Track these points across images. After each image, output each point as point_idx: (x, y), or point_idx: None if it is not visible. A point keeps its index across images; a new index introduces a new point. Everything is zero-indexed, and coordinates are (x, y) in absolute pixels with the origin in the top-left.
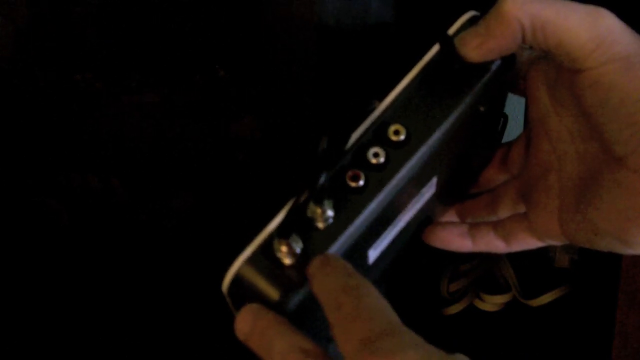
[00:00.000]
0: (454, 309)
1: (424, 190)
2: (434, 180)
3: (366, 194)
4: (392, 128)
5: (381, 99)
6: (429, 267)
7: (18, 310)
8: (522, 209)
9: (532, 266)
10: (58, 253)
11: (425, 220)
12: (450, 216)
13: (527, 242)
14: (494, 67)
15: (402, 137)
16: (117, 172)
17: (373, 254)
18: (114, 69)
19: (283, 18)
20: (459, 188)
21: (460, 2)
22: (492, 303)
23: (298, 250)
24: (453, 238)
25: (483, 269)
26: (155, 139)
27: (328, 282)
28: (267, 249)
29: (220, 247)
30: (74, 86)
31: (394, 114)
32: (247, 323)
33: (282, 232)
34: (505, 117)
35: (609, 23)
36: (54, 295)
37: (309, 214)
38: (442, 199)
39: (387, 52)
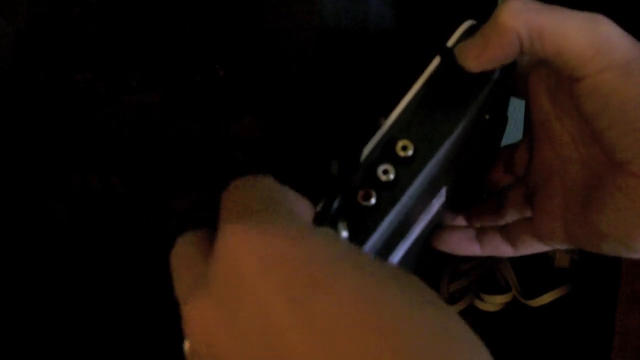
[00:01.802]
0: (454, 309)
1: (435, 200)
2: (444, 190)
3: (379, 213)
4: (400, 144)
5: (386, 114)
6: (429, 267)
7: (18, 310)
8: (528, 213)
9: (532, 266)
10: (58, 253)
11: (435, 227)
12: (458, 221)
13: (533, 246)
14: (495, 75)
15: (410, 152)
16: (117, 171)
17: None
18: (114, 69)
19: (283, 18)
20: (467, 194)
21: (458, 2)
22: (492, 303)
23: None
24: (461, 242)
25: (483, 269)
26: (155, 139)
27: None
28: None
29: None
30: (74, 86)
31: (401, 129)
32: None
33: None
34: (505, 119)
35: (607, 30)
36: (54, 295)
37: None
38: (451, 206)
39: (388, 52)
